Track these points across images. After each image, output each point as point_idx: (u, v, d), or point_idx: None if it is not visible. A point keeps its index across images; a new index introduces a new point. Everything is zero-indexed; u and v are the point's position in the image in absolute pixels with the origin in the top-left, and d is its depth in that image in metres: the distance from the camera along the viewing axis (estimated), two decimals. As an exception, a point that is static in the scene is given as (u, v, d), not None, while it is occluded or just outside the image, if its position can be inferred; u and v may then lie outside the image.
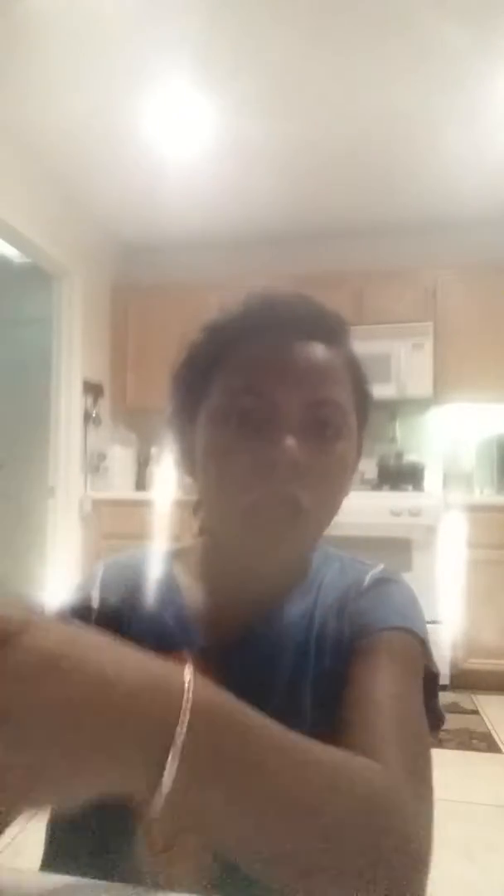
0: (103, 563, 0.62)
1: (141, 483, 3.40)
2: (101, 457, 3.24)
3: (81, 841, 0.49)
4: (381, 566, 0.59)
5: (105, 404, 3.36)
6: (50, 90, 2.23)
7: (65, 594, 0.59)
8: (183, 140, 2.52)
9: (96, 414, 3.23)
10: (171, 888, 0.40)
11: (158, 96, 2.24)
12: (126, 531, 3.01)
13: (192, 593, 0.57)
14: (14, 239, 2.66)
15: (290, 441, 0.46)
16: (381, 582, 0.57)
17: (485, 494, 3.02)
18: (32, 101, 2.29)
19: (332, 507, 0.50)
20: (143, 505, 3.02)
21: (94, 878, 0.40)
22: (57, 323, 3.06)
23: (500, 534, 2.70)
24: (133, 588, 0.58)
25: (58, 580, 2.97)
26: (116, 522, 3.07)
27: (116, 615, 0.55)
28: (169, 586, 0.58)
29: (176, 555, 0.62)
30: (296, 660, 0.52)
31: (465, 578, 2.60)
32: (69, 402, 3.07)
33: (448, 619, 2.56)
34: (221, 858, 0.42)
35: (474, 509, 2.71)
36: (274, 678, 0.51)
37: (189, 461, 0.54)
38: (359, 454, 0.54)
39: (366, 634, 0.51)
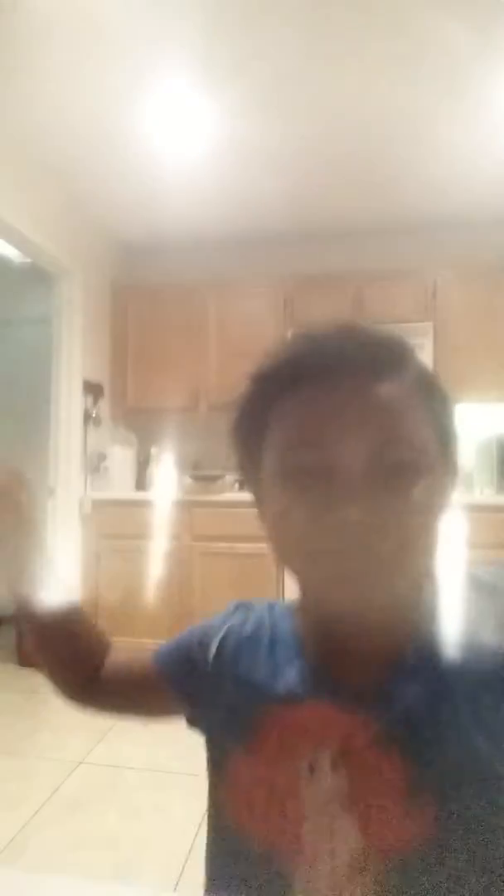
0: (226, 624, 0.60)
1: (141, 483, 3.40)
2: (101, 457, 3.24)
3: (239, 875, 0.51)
4: None
5: (105, 404, 3.36)
6: (50, 90, 2.23)
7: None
8: (183, 140, 2.52)
9: (96, 414, 3.23)
10: None
11: (158, 96, 2.24)
12: (126, 531, 3.01)
13: (313, 647, 0.53)
14: (14, 239, 2.66)
15: (353, 510, 0.41)
16: None
17: (485, 494, 3.02)
18: (32, 101, 2.29)
19: (421, 544, 0.45)
20: (143, 505, 3.02)
21: None
22: (57, 323, 3.06)
23: (500, 534, 2.69)
24: (249, 646, 0.57)
25: (57, 580, 2.97)
26: (116, 522, 3.06)
27: (227, 677, 0.56)
28: (288, 643, 0.55)
29: (298, 609, 0.58)
30: (452, 705, 0.47)
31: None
32: (69, 402, 3.07)
33: (448, 618, 2.56)
34: None
35: (474, 509, 2.71)
36: (432, 728, 0.46)
37: (260, 509, 0.51)
38: (451, 482, 0.48)
39: None
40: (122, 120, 2.40)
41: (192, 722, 0.61)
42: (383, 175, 2.83)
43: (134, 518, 2.99)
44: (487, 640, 0.49)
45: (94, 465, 3.20)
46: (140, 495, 3.25)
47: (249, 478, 0.51)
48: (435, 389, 0.48)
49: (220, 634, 0.58)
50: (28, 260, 2.95)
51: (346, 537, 0.42)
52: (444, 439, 0.47)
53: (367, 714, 0.47)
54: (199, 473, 3.05)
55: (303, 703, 0.50)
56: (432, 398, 0.47)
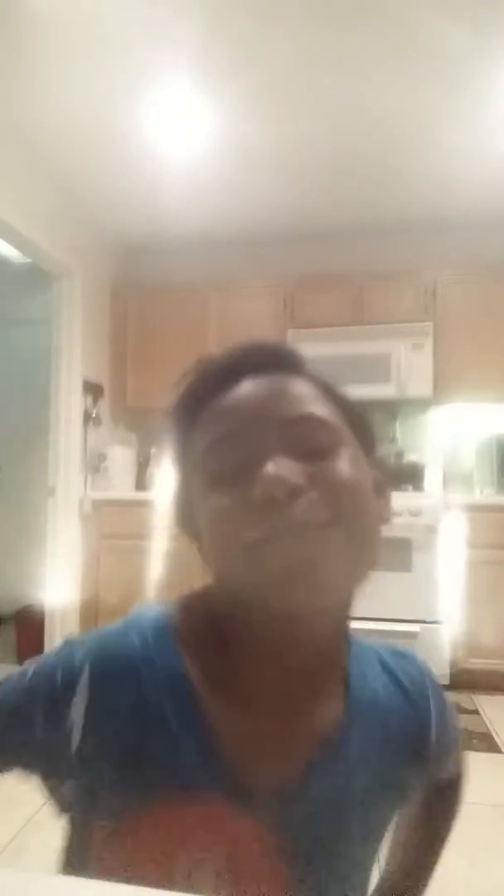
0: (88, 656, 0.48)
1: (141, 483, 3.40)
2: (101, 457, 3.24)
3: None
4: (427, 679, 0.58)
5: (105, 404, 3.36)
6: (50, 90, 2.23)
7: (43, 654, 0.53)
8: (183, 140, 2.52)
9: (96, 414, 3.23)
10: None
11: (158, 96, 2.24)
12: (126, 531, 3.01)
13: (212, 700, 0.45)
14: (14, 239, 2.66)
15: (270, 466, 0.42)
16: (446, 717, 0.57)
17: (485, 494, 3.02)
18: (33, 101, 2.29)
19: (363, 518, 0.45)
20: (143, 505, 3.02)
21: None
22: (57, 323, 3.06)
23: (500, 534, 2.69)
24: (127, 694, 0.45)
25: (58, 580, 2.97)
26: (116, 522, 3.06)
27: (107, 741, 0.44)
28: (177, 690, 0.45)
29: (178, 631, 0.51)
30: (361, 797, 0.47)
31: (465, 578, 2.60)
32: (69, 402, 3.07)
33: (448, 619, 2.56)
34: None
35: (474, 509, 2.71)
36: (342, 823, 0.45)
37: (183, 514, 0.53)
38: (373, 462, 0.51)
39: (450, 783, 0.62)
40: (122, 120, 2.40)
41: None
42: (383, 175, 2.83)
43: (134, 518, 2.99)
44: (394, 737, 0.50)
45: (94, 465, 3.20)
46: (140, 495, 3.25)
47: (178, 475, 0.54)
48: (335, 387, 0.53)
49: (76, 696, 0.45)
50: (28, 260, 2.95)
51: (275, 498, 0.41)
52: (357, 427, 0.51)
53: (265, 819, 0.42)
54: (199, 473, 3.04)
55: (195, 794, 0.42)
56: (336, 393, 0.52)
